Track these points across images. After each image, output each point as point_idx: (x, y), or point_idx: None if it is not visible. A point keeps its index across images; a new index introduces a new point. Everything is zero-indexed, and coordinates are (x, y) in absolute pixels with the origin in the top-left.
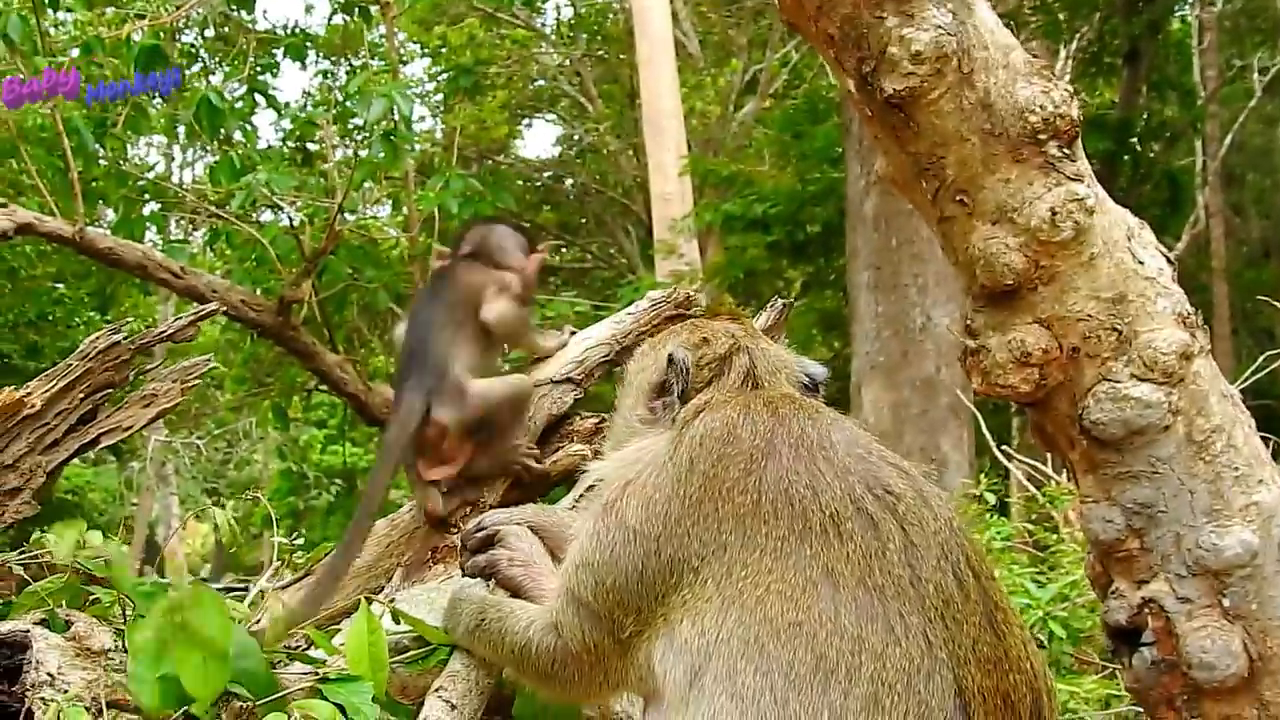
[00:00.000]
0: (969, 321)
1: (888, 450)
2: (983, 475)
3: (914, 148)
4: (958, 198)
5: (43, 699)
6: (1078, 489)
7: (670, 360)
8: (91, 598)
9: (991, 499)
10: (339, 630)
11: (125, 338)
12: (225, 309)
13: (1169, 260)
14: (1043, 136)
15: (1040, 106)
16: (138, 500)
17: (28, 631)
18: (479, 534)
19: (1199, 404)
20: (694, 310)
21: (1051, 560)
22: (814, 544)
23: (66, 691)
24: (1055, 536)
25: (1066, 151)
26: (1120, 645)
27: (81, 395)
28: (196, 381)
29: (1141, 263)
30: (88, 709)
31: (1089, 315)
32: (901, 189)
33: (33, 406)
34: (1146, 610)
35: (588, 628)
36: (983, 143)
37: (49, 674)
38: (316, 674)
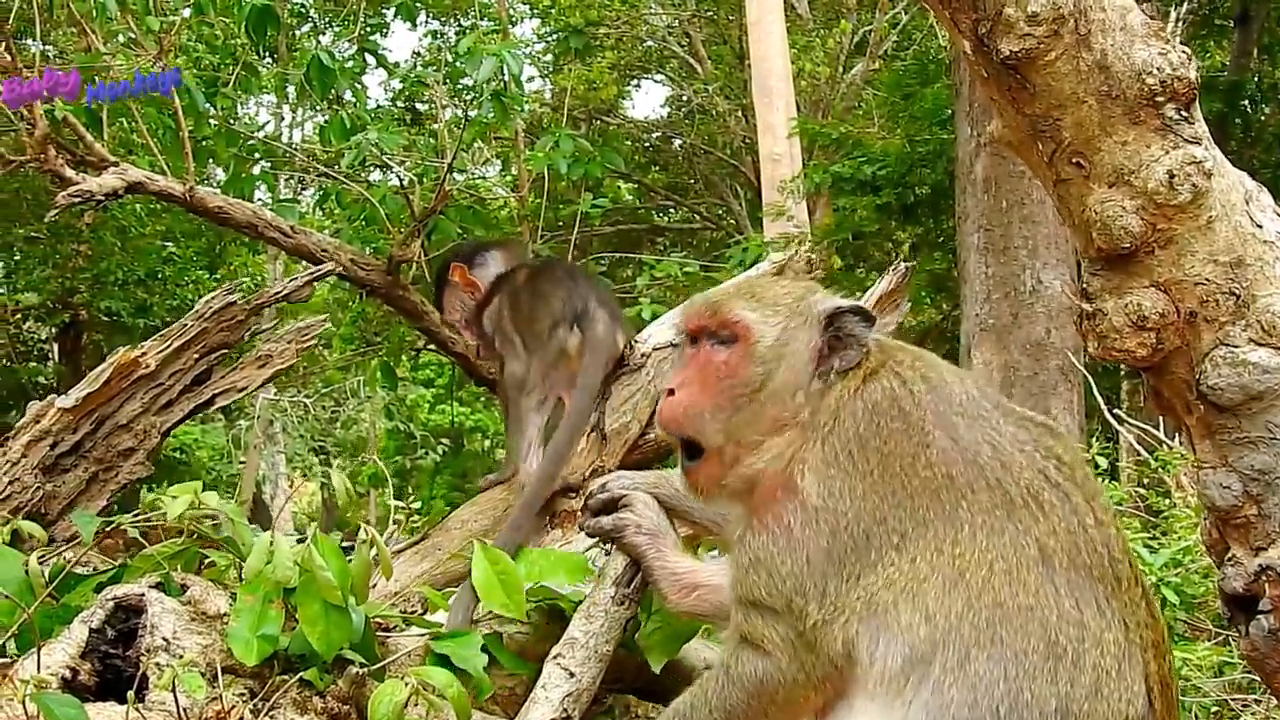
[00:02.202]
0: (1085, 285)
1: (1027, 411)
2: (1093, 439)
3: (1030, 109)
4: (1074, 160)
5: (158, 664)
6: (1194, 454)
7: (835, 316)
8: (208, 561)
9: (1103, 463)
10: (454, 592)
11: (241, 298)
12: (336, 268)
13: None
14: (1160, 99)
15: (1158, 69)
16: (245, 458)
17: (143, 595)
18: (603, 495)
19: None
20: (818, 271)
21: (1164, 525)
22: (1023, 518)
23: (182, 656)
24: (1167, 501)
25: (1184, 114)
26: (1237, 613)
27: (196, 355)
28: (312, 342)
29: (1260, 226)
30: (202, 674)
31: (1206, 279)
32: (1016, 151)
33: (147, 366)
34: (1264, 578)
35: (772, 626)
36: (1100, 105)
37: (164, 639)
38: (433, 631)
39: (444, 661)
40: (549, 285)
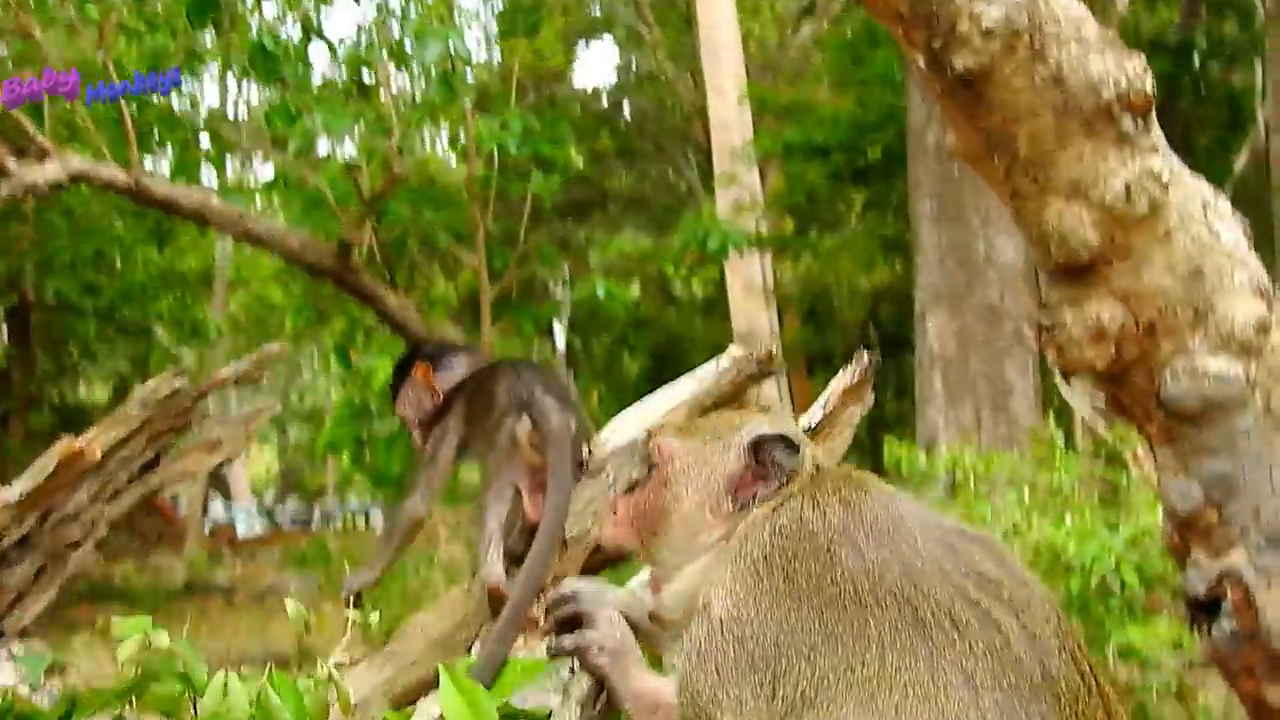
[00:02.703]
0: (1043, 297)
1: (965, 526)
2: (1050, 408)
3: (985, 124)
4: (1030, 174)
5: None
6: (1155, 461)
7: (759, 445)
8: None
9: (1060, 438)
10: (413, 711)
11: (186, 384)
12: (284, 254)
13: (1246, 228)
14: (1117, 111)
15: (1114, 81)
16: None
17: None
18: (567, 609)
19: (1277, 376)
20: (774, 368)
21: (1122, 499)
22: (935, 638)
23: None
24: (1125, 476)
25: (1141, 124)
26: (1199, 615)
27: (143, 444)
28: (260, 424)
29: (1218, 235)
30: None
31: (1165, 290)
32: (972, 164)
33: (93, 456)
34: (1225, 582)
35: None
36: (1055, 118)
37: None
38: None
39: None
40: (492, 381)
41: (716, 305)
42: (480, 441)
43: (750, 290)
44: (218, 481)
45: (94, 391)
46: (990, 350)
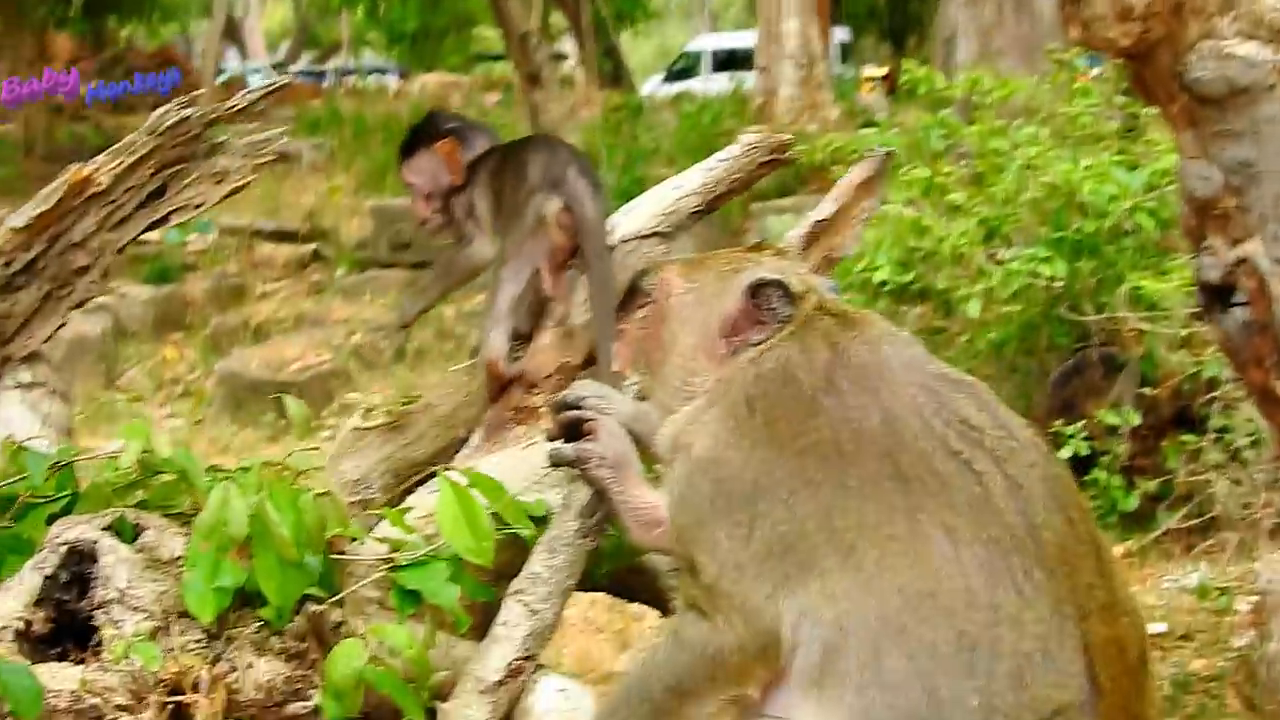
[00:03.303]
0: None
1: (950, 370)
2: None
3: None
4: None
5: (113, 621)
6: (1177, 143)
7: (758, 288)
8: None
9: (1081, 65)
10: (410, 509)
11: (195, 113)
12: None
13: None
14: None
15: None
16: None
17: (96, 543)
18: (570, 413)
19: None
20: (789, 156)
21: (1139, 137)
22: (915, 491)
23: (136, 608)
24: (1144, 109)
25: None
26: (1212, 302)
27: (151, 171)
28: (270, 158)
29: None
30: (158, 623)
31: None
32: None
33: (100, 184)
34: (1240, 270)
35: (706, 598)
36: None
37: (118, 590)
38: (391, 558)
39: (413, 597)
40: (523, 157)
41: None
42: (503, 218)
43: None
44: (232, 36)
45: None
46: None
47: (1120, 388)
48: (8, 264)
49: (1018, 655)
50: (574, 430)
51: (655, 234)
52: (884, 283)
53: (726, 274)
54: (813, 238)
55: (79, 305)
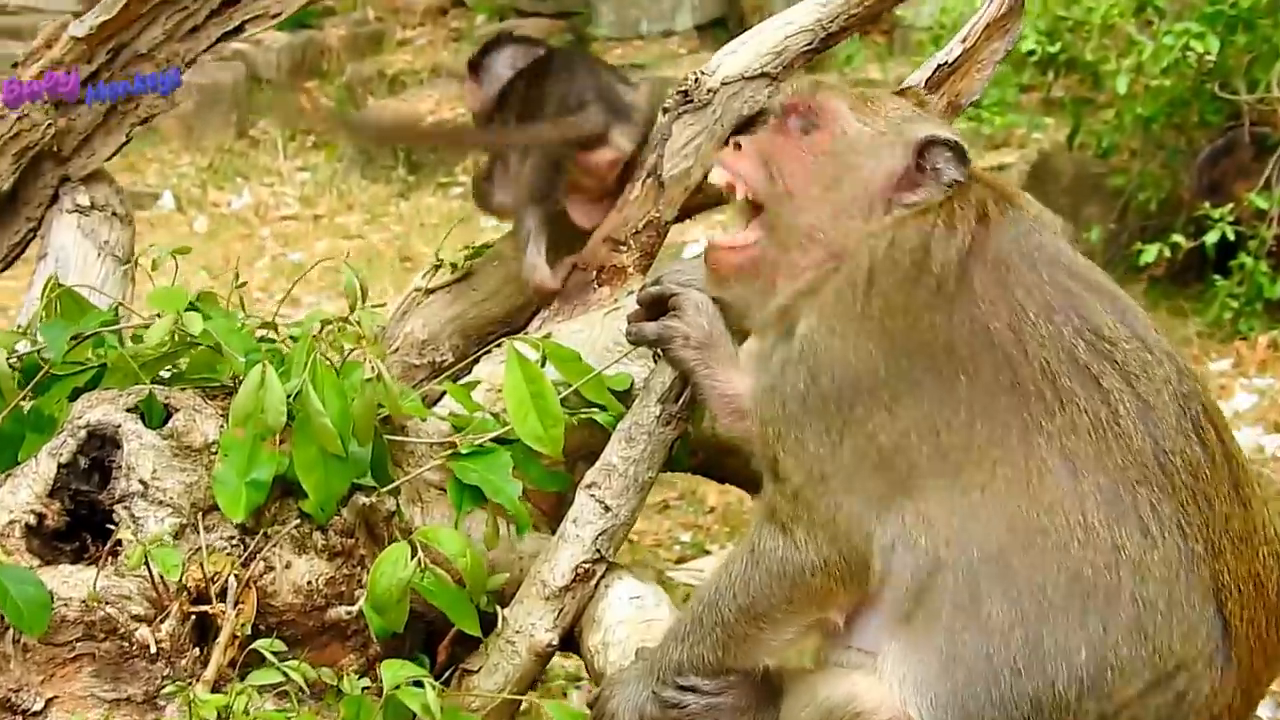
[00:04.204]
0: None
1: (1093, 270)
2: None
3: None
4: None
5: (133, 516)
6: None
7: (929, 145)
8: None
9: None
10: (478, 382)
11: None
12: None
13: None
14: None
15: None
16: None
17: (119, 426)
18: (653, 290)
19: None
20: None
21: None
22: (1033, 408)
23: (161, 503)
24: None
25: None
26: None
27: None
28: None
29: None
30: (184, 519)
31: None
32: None
33: None
34: None
35: (789, 507)
36: None
37: (141, 481)
38: (451, 442)
39: (473, 493)
40: (547, 85)
41: None
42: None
43: None
44: None
45: None
46: None
47: (1271, 170)
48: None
49: (1138, 603)
50: (657, 308)
51: (762, 75)
52: (1031, 52)
53: (899, 123)
54: (937, 82)
55: (144, 122)
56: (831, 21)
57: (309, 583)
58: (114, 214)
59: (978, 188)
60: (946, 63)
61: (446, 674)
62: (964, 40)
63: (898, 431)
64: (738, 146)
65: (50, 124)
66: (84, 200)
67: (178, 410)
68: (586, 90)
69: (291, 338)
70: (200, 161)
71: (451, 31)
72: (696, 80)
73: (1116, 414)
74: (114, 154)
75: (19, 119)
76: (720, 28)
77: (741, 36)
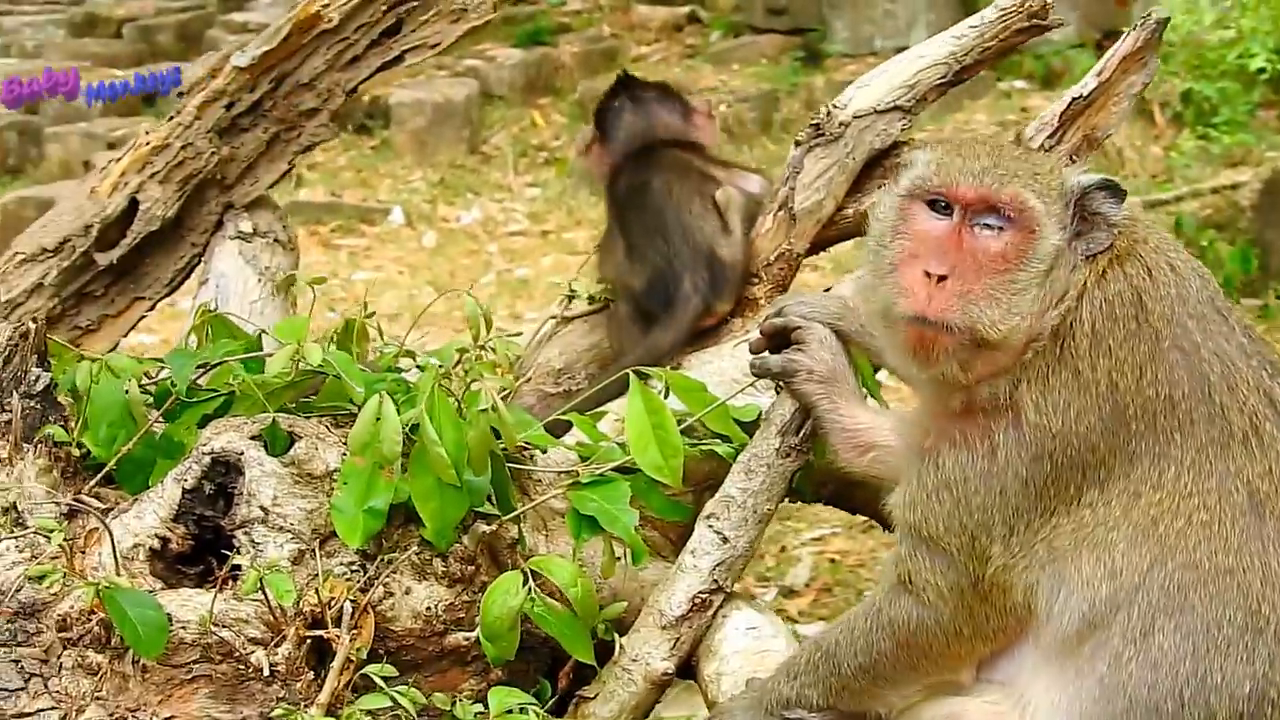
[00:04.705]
0: None
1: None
2: None
3: None
4: None
5: (253, 542)
6: None
7: (1093, 190)
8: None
9: None
10: (605, 412)
11: None
12: None
13: None
14: None
15: None
16: None
17: (242, 454)
18: (776, 321)
19: None
20: (1050, 22)
21: None
22: (1237, 456)
23: (281, 529)
24: None
25: None
26: None
27: (385, 8)
28: None
29: None
30: (304, 545)
31: None
32: None
33: (330, 21)
34: None
35: (940, 573)
36: None
37: (262, 508)
38: (574, 471)
39: (591, 524)
40: (648, 200)
41: None
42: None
43: None
44: None
45: None
46: None
47: None
48: (230, 105)
49: None
50: (781, 340)
51: (895, 108)
52: (1261, 69)
53: (1061, 182)
54: (1072, 116)
55: (306, 150)
56: (965, 55)
57: (428, 609)
58: (275, 240)
59: (1140, 228)
60: (1081, 96)
61: (567, 700)
62: (1099, 74)
63: (1103, 504)
64: (940, 280)
65: (214, 152)
66: (246, 227)
67: (301, 438)
68: (678, 256)
69: (419, 367)
70: (431, 177)
71: (686, 48)
72: (829, 113)
73: None
74: (276, 182)
75: (183, 147)
76: None
77: (872, 70)
